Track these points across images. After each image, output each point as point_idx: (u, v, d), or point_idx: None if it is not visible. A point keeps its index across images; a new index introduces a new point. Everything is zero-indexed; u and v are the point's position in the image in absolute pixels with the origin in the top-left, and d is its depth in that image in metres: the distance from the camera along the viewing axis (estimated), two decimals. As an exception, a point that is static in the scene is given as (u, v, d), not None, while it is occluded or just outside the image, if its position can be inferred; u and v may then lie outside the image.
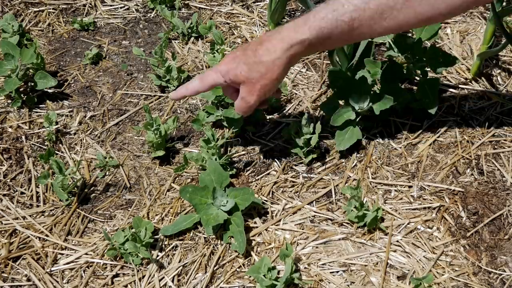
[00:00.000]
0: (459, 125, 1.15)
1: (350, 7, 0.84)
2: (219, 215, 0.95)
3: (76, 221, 1.03)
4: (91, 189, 1.09)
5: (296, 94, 1.25)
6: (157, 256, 0.97)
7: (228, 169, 1.08)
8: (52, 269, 0.97)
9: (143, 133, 1.19)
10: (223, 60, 0.96)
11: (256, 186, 1.07)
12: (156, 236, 0.99)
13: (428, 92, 1.11)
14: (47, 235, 1.01)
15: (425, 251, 0.95)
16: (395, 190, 1.05)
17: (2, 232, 1.02)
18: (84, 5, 1.52)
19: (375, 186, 1.05)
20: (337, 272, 0.93)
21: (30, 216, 1.04)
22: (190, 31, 1.40)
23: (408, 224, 0.99)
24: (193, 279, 0.94)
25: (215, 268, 0.95)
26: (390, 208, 1.02)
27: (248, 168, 1.11)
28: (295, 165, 1.10)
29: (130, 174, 1.12)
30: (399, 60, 1.15)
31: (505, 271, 0.92)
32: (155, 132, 1.09)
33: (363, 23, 0.85)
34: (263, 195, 1.05)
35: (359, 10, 0.84)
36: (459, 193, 1.04)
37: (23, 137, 1.18)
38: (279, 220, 1.01)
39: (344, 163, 1.10)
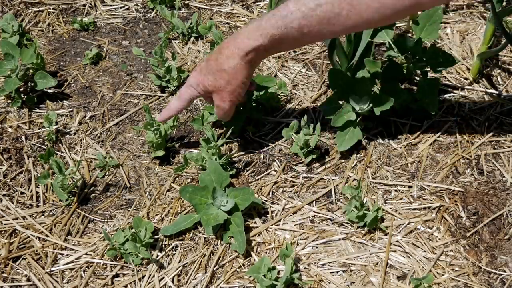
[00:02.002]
0: (459, 125, 1.15)
1: (299, 14, 0.87)
2: (219, 215, 0.95)
3: (76, 221, 1.03)
4: (91, 189, 1.09)
5: (296, 94, 1.25)
6: (157, 256, 0.97)
7: (228, 169, 1.08)
8: (52, 269, 0.96)
9: (143, 133, 1.19)
10: (191, 74, 1.02)
11: (256, 186, 1.07)
12: (156, 236, 0.99)
13: (428, 92, 1.11)
14: (47, 235, 1.01)
15: (425, 251, 0.95)
16: (395, 190, 1.05)
17: (2, 232, 1.02)
18: (84, 5, 1.52)
19: (375, 186, 1.05)
20: (337, 272, 0.93)
21: (30, 216, 1.04)
22: (190, 31, 1.40)
23: (408, 224, 0.99)
24: (193, 279, 0.94)
25: (215, 268, 0.95)
26: (390, 208, 1.02)
27: (248, 168, 1.11)
28: (295, 165, 1.10)
29: (130, 174, 1.12)
30: (399, 60, 1.15)
31: (505, 271, 0.92)
32: (155, 132, 1.08)
33: (312, 28, 0.88)
34: (263, 195, 1.05)
35: (307, 17, 0.87)
36: (459, 193, 1.04)
37: (23, 137, 1.18)
38: (279, 220, 1.01)
39: (344, 163, 1.10)
